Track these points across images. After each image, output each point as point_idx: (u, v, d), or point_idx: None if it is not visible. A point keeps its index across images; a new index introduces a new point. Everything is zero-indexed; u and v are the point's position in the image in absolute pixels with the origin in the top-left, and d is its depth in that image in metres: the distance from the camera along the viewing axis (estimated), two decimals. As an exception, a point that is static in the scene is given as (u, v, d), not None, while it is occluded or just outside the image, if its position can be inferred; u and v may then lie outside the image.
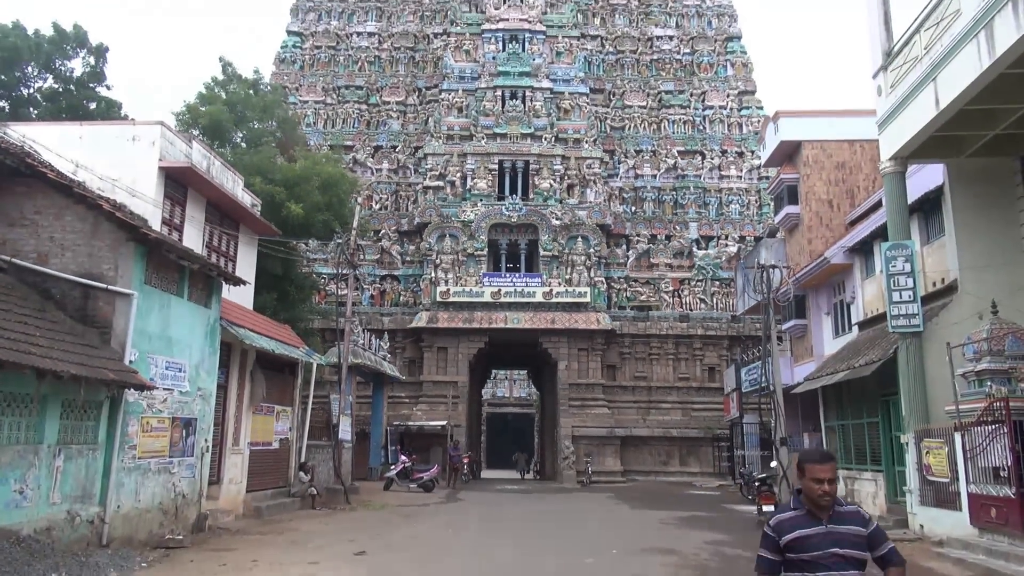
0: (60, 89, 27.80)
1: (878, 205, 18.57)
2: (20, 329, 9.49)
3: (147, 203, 14.23)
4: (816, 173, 23.54)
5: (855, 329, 19.55)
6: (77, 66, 28.25)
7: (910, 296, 13.93)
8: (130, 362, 11.39)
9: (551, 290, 32.56)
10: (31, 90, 27.66)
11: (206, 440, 14.22)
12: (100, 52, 28.58)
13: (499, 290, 32.53)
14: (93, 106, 28.05)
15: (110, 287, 11.48)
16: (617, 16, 39.43)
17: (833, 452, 16.42)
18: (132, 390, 11.30)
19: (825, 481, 3.23)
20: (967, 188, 14.09)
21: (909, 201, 14.64)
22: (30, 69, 27.26)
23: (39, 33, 27.33)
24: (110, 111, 28.15)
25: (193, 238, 16.14)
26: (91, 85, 28.53)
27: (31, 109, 27.12)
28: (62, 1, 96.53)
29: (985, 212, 13.87)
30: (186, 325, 13.48)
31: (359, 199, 30.88)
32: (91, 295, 11.53)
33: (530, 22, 36.85)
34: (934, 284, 15.13)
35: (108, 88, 28.93)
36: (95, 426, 10.94)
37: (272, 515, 16.62)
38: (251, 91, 27.54)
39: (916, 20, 12.38)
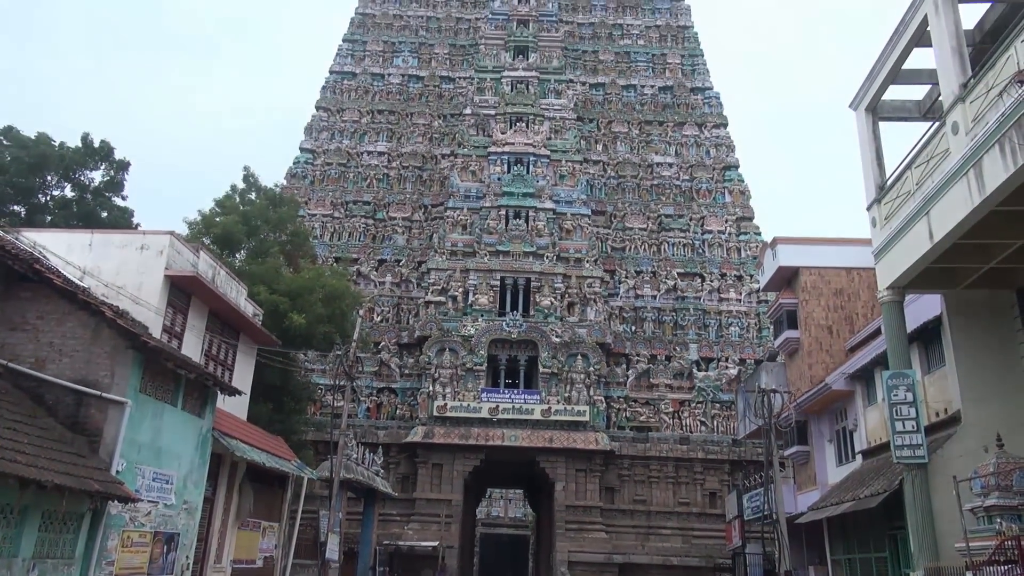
0: (76, 197, 28.61)
1: (877, 332, 18.62)
2: (8, 436, 9.33)
3: (150, 310, 14.32)
4: (815, 299, 23.76)
5: (859, 458, 19.16)
6: (97, 177, 29.23)
7: (913, 426, 13.73)
8: (117, 472, 11.12)
9: (550, 408, 32.19)
10: (48, 197, 28.46)
11: (187, 557, 13.68)
12: (122, 165, 29.69)
13: (497, 406, 32.16)
14: (106, 214, 28.79)
15: (104, 394, 11.37)
16: (619, 143, 40.97)
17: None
18: (116, 502, 10.98)
19: None
20: (965, 319, 14.16)
21: (908, 330, 14.69)
22: (50, 177, 28.14)
23: (64, 145, 28.42)
24: (122, 219, 28.86)
25: (193, 346, 16.13)
26: (108, 195, 29.41)
27: (46, 215, 27.80)
28: (96, 117, 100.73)
29: (985, 343, 13.88)
30: (178, 435, 13.25)
31: (361, 312, 31.05)
32: (84, 402, 11.41)
33: (535, 146, 38.26)
34: (937, 414, 14.95)
35: (124, 199, 29.80)
36: (74, 539, 10.55)
37: (250, 641, 15.75)
38: (270, 205, 28.16)
39: (907, 157, 12.83)
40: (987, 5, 13.08)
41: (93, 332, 11.82)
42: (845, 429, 20.83)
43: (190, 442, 13.70)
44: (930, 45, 12.20)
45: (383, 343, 35.23)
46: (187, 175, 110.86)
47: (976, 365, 13.82)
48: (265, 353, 20.19)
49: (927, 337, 15.68)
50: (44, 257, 13.13)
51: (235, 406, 17.80)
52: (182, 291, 15.81)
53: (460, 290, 34.86)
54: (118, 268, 14.77)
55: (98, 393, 11.34)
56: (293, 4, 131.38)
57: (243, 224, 26.36)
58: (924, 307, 15.28)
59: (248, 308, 19.04)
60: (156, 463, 12.47)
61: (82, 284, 13.32)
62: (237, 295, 18.29)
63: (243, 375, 18.76)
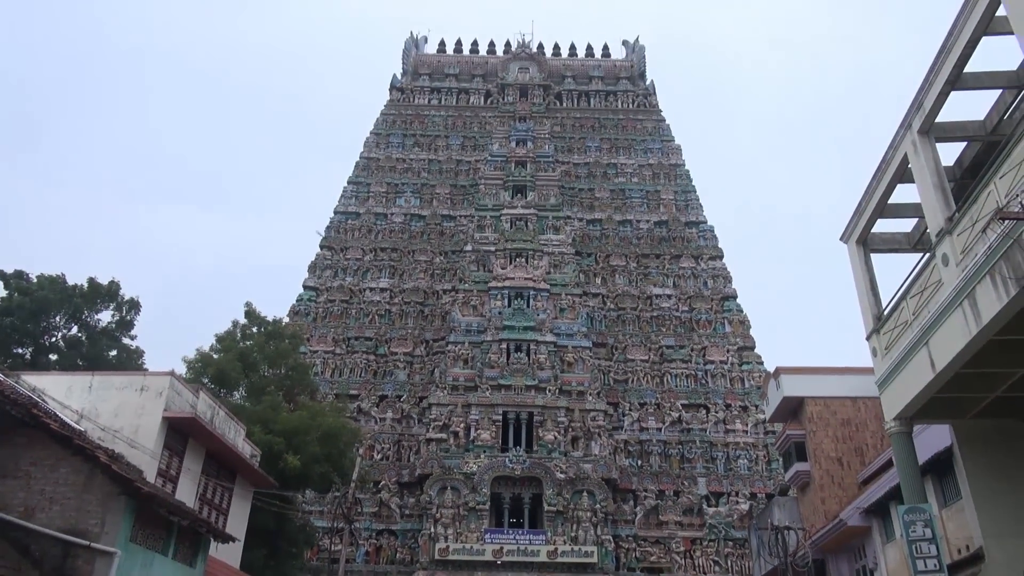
0: (84, 338, 28.81)
1: (889, 464, 18.16)
2: (-11, 592, 8.92)
3: (145, 454, 14.06)
4: (822, 430, 23.35)
5: (882, 600, 18.17)
6: (105, 317, 29.55)
7: (935, 565, 13.11)
8: (99, 630, 10.55)
9: (556, 549, 30.90)
10: (55, 338, 28.67)
11: None
12: (133, 305, 30.06)
13: (501, 548, 30.89)
14: (114, 353, 28.88)
15: (92, 544, 10.98)
16: (617, 276, 41.69)
17: None
18: (96, 663, 10.35)
19: None
20: (978, 450, 13.85)
21: (920, 462, 14.32)
22: (58, 319, 28.45)
23: (76, 286, 28.92)
24: (130, 360, 28.92)
25: (188, 489, 15.72)
26: (117, 334, 29.64)
27: (51, 356, 27.89)
28: (108, 255, 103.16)
29: (1001, 475, 13.50)
30: (166, 587, 12.67)
31: (360, 449, 30.46)
32: (71, 552, 10.99)
33: (534, 281, 38.89)
34: (959, 551, 14.31)
35: (132, 338, 29.97)
36: None
37: None
38: (269, 341, 28.18)
39: (901, 288, 13.00)
40: (964, 142, 13.67)
41: (86, 478, 11.57)
42: (865, 568, 19.89)
43: (179, 594, 13.09)
44: (913, 181, 12.65)
45: (383, 482, 34.36)
46: (194, 309, 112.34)
47: (994, 498, 13.38)
48: (261, 496, 19.64)
49: (940, 469, 15.27)
50: (43, 401, 13.07)
51: (228, 553, 17.11)
52: (180, 433, 15.60)
53: (462, 425, 34.36)
54: (117, 409, 14.66)
55: (87, 543, 10.95)
56: (299, 154, 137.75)
57: (241, 361, 26.31)
58: (934, 437, 14.97)
59: (246, 449, 18.71)
60: (142, 618, 11.85)
61: (79, 427, 13.16)
62: (235, 436, 18.02)
63: (238, 519, 18.16)
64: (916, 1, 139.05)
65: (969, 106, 13.00)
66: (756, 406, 35.92)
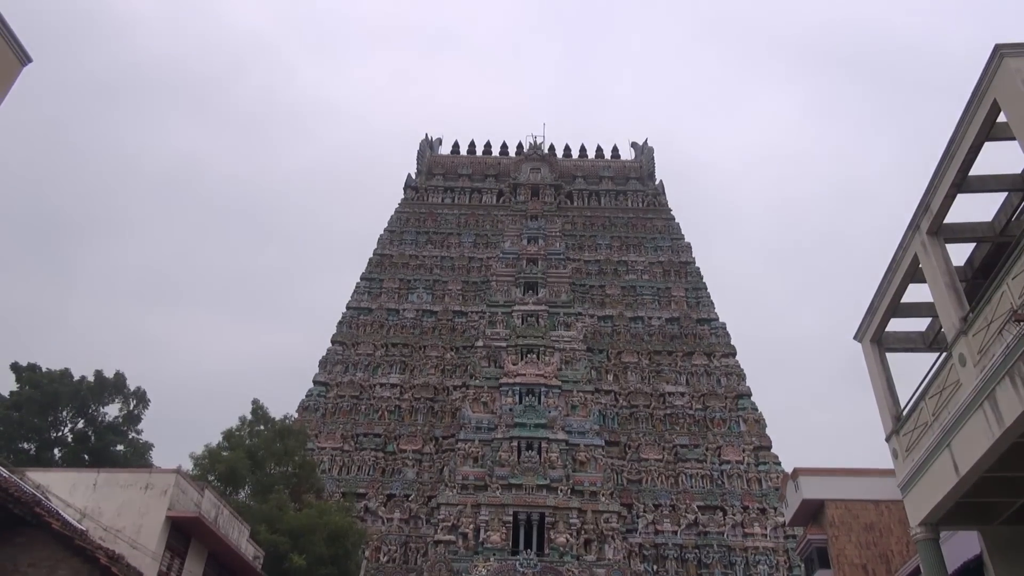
0: (90, 432, 28.63)
1: (917, 572, 17.40)
2: None
3: (146, 555, 13.69)
4: (844, 535, 22.50)
5: None
6: (112, 411, 29.44)
7: None
8: None
9: (568, 661, 29.41)
10: (62, 432, 28.50)
11: None
12: (140, 398, 29.97)
13: (511, 659, 29.44)
14: (120, 448, 28.60)
15: (86, 653, 10.53)
16: (629, 373, 41.37)
17: None
18: None
19: None
20: (1009, 559, 13.27)
21: (949, 570, 13.72)
22: (65, 413, 28.37)
23: (83, 379, 28.95)
24: (137, 454, 28.60)
25: (187, 594, 15.21)
26: (124, 428, 29.44)
27: (56, 451, 27.64)
28: (113, 352, 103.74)
29: (1034, 585, 12.88)
30: None
31: (366, 552, 29.57)
32: (63, 662, 10.54)
33: (546, 377, 38.61)
34: (996, 669, 13.50)
35: (139, 432, 29.76)
36: None
37: None
38: (276, 438, 27.77)
39: (918, 388, 12.80)
40: (974, 243, 13.75)
41: (84, 581, 11.23)
42: None
43: None
44: (924, 280, 12.67)
45: (389, 587, 33.15)
46: (201, 404, 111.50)
47: (1029, 610, 12.72)
48: (263, 600, 18.95)
49: (971, 578, 14.61)
50: (47, 498, 12.85)
51: (226, 663, 16.38)
52: (182, 533, 15.22)
53: (471, 527, 33.40)
54: (120, 508, 14.38)
55: (80, 651, 10.52)
56: (313, 257, 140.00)
57: (249, 459, 25.95)
58: (963, 544, 14.39)
59: (249, 550, 18.19)
60: None
61: (81, 527, 12.88)
62: (239, 536, 17.56)
63: (237, 626, 17.46)
64: (904, 122, 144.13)
65: (977, 206, 13.16)
66: (775, 508, 34.82)
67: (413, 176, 55.82)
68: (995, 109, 10.17)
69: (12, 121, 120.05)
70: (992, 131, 10.58)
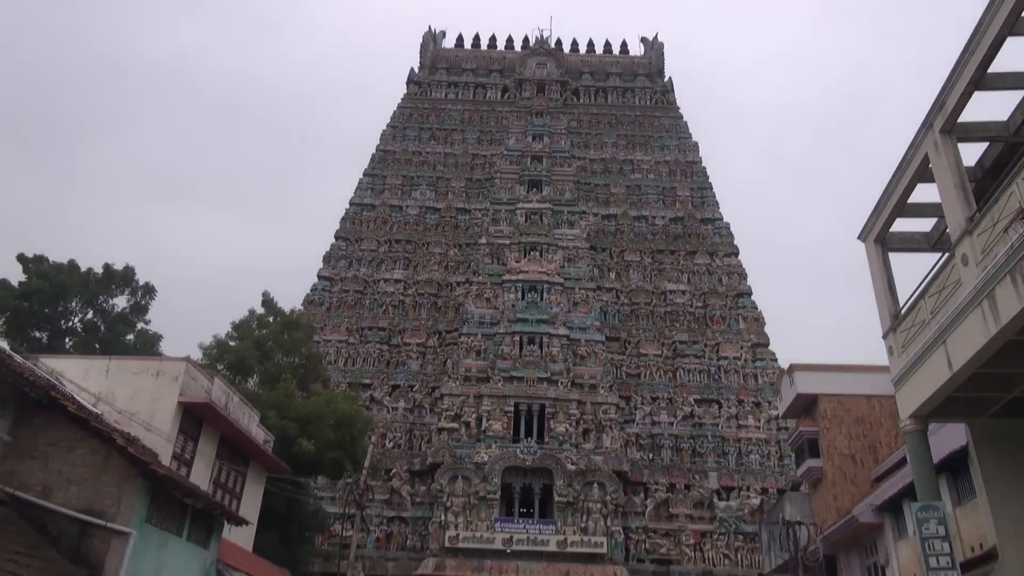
0: (100, 322, 29.06)
1: (903, 462, 18.08)
2: (9, 569, 9.07)
3: (161, 437, 14.22)
4: (836, 427, 23.24)
5: (893, 598, 18.11)
6: (121, 302, 29.78)
7: (948, 563, 13.05)
8: (115, 609, 10.72)
9: (566, 539, 30.99)
10: (72, 322, 28.94)
11: None
12: (147, 290, 30.27)
13: (511, 537, 31.03)
14: (131, 338, 29.12)
15: (108, 524, 11.13)
16: (631, 271, 41.61)
17: None
18: (112, 642, 10.51)
19: None
20: (994, 450, 13.74)
21: (935, 460, 14.24)
22: (74, 303, 28.71)
23: (91, 271, 29.15)
24: (148, 345, 29.15)
25: (202, 473, 15.89)
26: (132, 319, 29.89)
27: (67, 340, 28.16)
28: (125, 249, 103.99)
29: (1017, 475, 13.39)
30: (181, 567, 12.83)
31: (373, 437, 30.64)
32: (88, 532, 11.15)
33: (548, 274, 38.87)
34: (972, 549, 14.24)
35: (147, 323, 30.20)
36: None
37: None
38: (284, 330, 28.23)
39: (919, 287, 12.90)
40: (986, 143, 13.53)
41: (103, 460, 11.72)
42: (876, 564, 19.83)
43: (194, 574, 13.24)
44: (933, 181, 12.54)
45: (395, 470, 34.56)
46: (213, 296, 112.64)
47: (1009, 497, 13.28)
48: (274, 481, 19.81)
49: (955, 467, 15.17)
50: (61, 383, 13.23)
51: (241, 536, 17.29)
52: (194, 417, 15.75)
53: (473, 416, 34.47)
54: (133, 394, 14.81)
55: (103, 523, 11.11)
56: (314, 153, 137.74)
57: (257, 349, 26.49)
58: (950, 436, 14.87)
59: (259, 434, 18.86)
60: (157, 599, 12.02)
61: (96, 410, 13.33)
62: (249, 421, 18.17)
63: (251, 503, 18.34)
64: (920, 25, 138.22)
65: (992, 107, 12.88)
66: (769, 402, 35.81)
67: (416, 71, 54.32)
68: (1021, 2, 9.78)
69: (6, 16, 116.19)
70: (1016, 26, 10.22)
